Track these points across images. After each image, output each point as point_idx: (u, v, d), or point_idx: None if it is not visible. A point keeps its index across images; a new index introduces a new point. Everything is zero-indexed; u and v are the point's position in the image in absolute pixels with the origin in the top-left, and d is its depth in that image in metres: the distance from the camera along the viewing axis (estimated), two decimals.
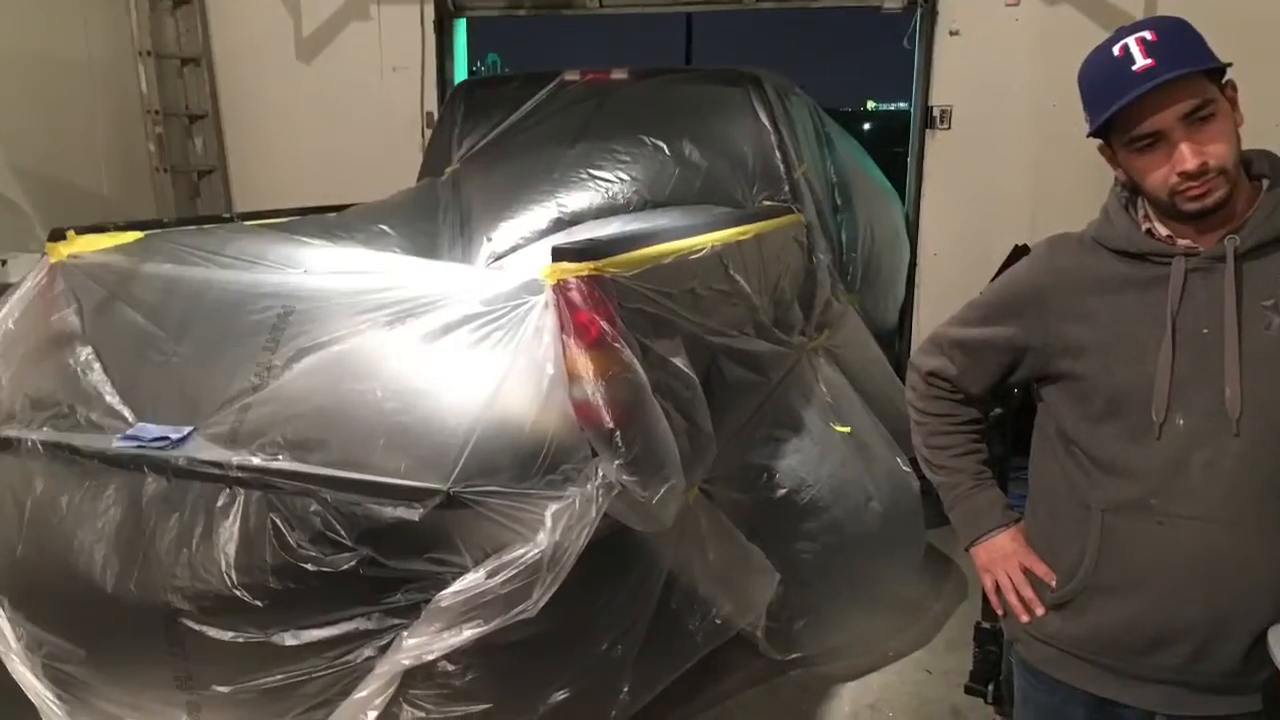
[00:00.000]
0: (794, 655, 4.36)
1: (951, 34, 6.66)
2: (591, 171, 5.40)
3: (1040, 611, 2.30)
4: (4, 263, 5.99)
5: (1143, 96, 1.95)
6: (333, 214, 5.20)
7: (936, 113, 6.74)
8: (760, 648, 4.26)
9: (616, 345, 3.06)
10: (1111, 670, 2.21)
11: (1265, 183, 2.08)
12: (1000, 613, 2.46)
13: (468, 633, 2.89)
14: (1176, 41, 1.99)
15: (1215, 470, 2.03)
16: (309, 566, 2.97)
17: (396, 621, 2.98)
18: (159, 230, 4.09)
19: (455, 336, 3.10)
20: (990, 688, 3.70)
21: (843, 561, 4.40)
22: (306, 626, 3.03)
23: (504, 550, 2.90)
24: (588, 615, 3.24)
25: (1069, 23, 6.19)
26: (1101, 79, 2.04)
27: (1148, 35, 1.98)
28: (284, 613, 3.04)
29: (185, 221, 4.67)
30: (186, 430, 3.24)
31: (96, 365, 3.48)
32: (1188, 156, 1.96)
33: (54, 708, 3.43)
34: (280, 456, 3.09)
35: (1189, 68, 1.95)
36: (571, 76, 5.80)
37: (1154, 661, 2.14)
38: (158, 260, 3.69)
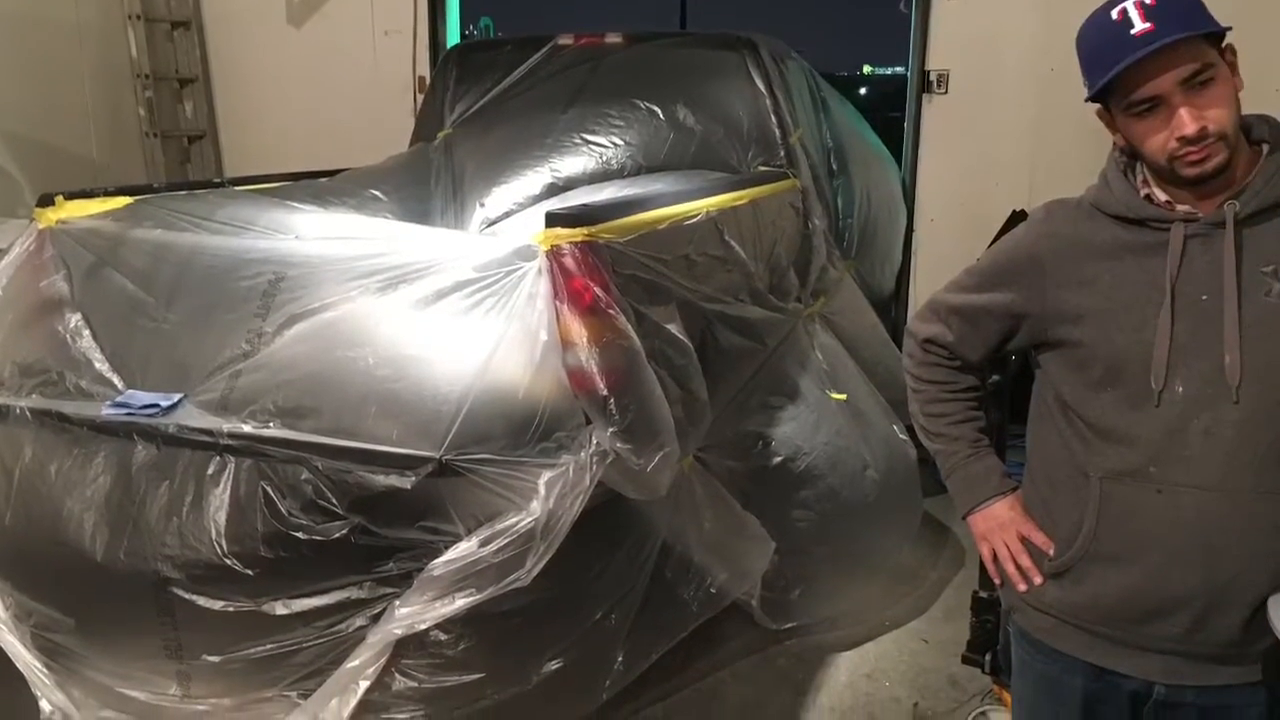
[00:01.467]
0: (790, 624, 4.36)
1: None
2: (585, 136, 5.38)
3: (1038, 580, 2.29)
4: None
5: (1141, 61, 1.92)
6: (324, 179, 5.16)
7: (934, 77, 6.70)
8: (756, 617, 4.25)
9: (611, 312, 3.04)
10: (1110, 640, 2.20)
11: (1265, 148, 2.05)
12: (998, 582, 2.45)
13: (460, 602, 2.87)
14: (1175, 5, 1.95)
15: (1214, 438, 2.01)
16: (300, 535, 2.95)
17: (388, 590, 2.97)
18: (149, 195, 4.04)
19: (448, 303, 3.08)
20: (988, 657, 3.69)
21: (839, 530, 4.39)
22: (297, 595, 3.01)
23: (497, 518, 2.88)
24: (582, 584, 3.23)
25: None
26: (1099, 43, 2.01)
27: None
28: (275, 581, 3.02)
29: (175, 186, 4.62)
30: (176, 397, 3.22)
31: (85, 332, 3.45)
32: (1187, 121, 1.93)
33: (43, 678, 3.41)
34: (271, 424, 3.06)
35: (1188, 31, 1.92)
36: (565, 40, 5.75)
37: (1153, 631, 2.13)
38: (148, 226, 3.66)
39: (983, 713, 3.74)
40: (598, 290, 3.04)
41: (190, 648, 3.17)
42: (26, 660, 3.42)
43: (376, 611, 2.98)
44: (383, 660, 3.00)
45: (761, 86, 5.20)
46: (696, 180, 4.78)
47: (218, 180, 5.51)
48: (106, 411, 3.23)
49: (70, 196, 3.80)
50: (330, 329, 3.15)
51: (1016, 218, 5.90)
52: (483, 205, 5.43)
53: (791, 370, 4.58)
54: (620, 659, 3.42)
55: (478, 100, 5.78)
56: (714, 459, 3.94)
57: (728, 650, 4.33)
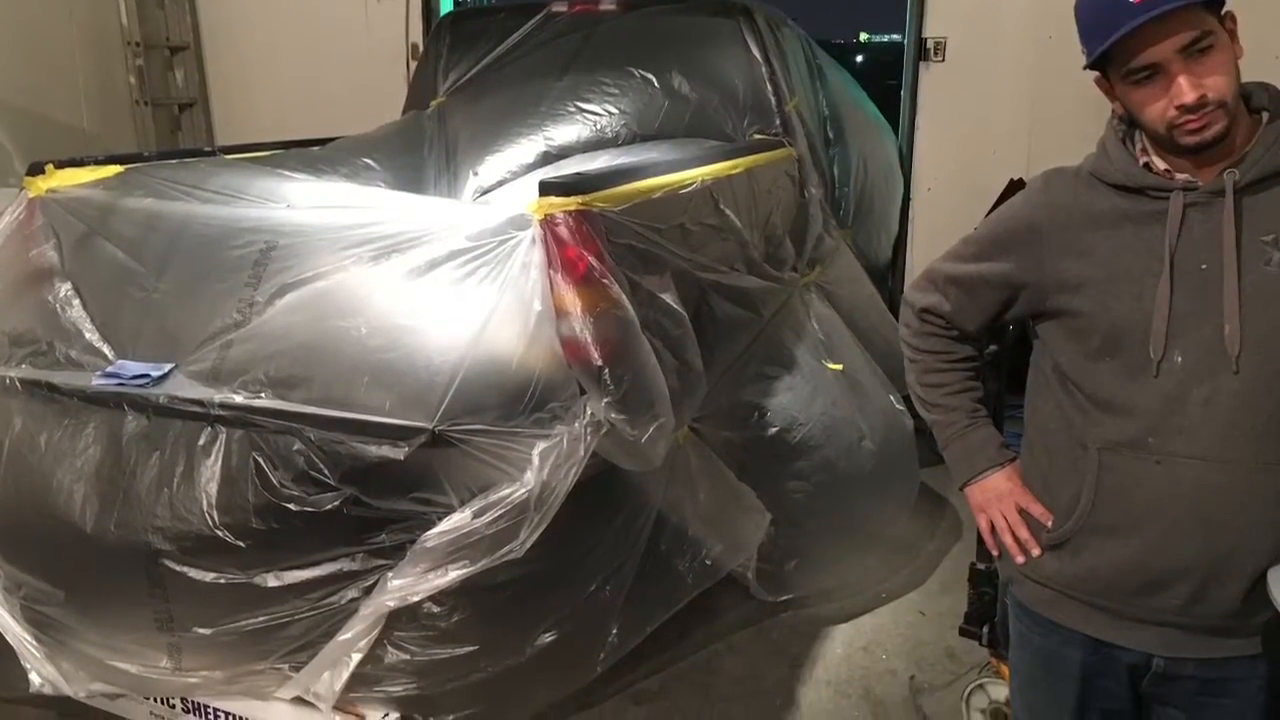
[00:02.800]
0: (785, 597, 4.36)
1: None
2: (579, 104, 5.34)
3: (1036, 552, 2.28)
4: None
5: (1140, 28, 1.90)
6: (316, 148, 5.13)
7: (931, 45, 6.65)
8: (751, 589, 4.25)
9: (605, 281, 3.02)
10: (1108, 612, 2.19)
11: (1265, 116, 2.04)
12: (995, 553, 2.43)
13: (454, 574, 2.86)
14: None
15: (1213, 408, 2.00)
16: (292, 506, 2.92)
17: (381, 562, 2.95)
18: (139, 164, 4.02)
19: (441, 272, 3.05)
20: (985, 630, 3.68)
21: (835, 501, 4.38)
22: (289, 567, 2.99)
23: (490, 490, 2.86)
24: (576, 556, 3.22)
25: None
26: (1098, 10, 1.99)
27: None
28: (266, 553, 3.00)
29: (166, 155, 4.61)
30: (167, 368, 3.19)
31: (76, 301, 3.43)
32: (1186, 89, 1.92)
33: (33, 650, 3.39)
34: (263, 394, 3.04)
35: None
36: (559, 8, 5.71)
37: (1151, 603, 2.12)
38: (138, 195, 3.64)
39: (980, 685, 3.72)
40: (592, 259, 3.01)
41: (181, 620, 3.15)
42: (16, 633, 3.40)
43: (369, 583, 2.96)
44: (375, 633, 2.99)
45: (757, 54, 5.16)
46: (691, 149, 4.75)
47: (209, 149, 5.50)
48: (97, 382, 3.21)
49: (60, 165, 3.78)
50: (322, 298, 3.12)
51: (1014, 186, 5.87)
52: (476, 174, 5.40)
53: (787, 340, 4.57)
54: (615, 631, 3.41)
55: (471, 68, 5.74)
56: (709, 430, 3.93)
57: (723, 623, 4.33)
